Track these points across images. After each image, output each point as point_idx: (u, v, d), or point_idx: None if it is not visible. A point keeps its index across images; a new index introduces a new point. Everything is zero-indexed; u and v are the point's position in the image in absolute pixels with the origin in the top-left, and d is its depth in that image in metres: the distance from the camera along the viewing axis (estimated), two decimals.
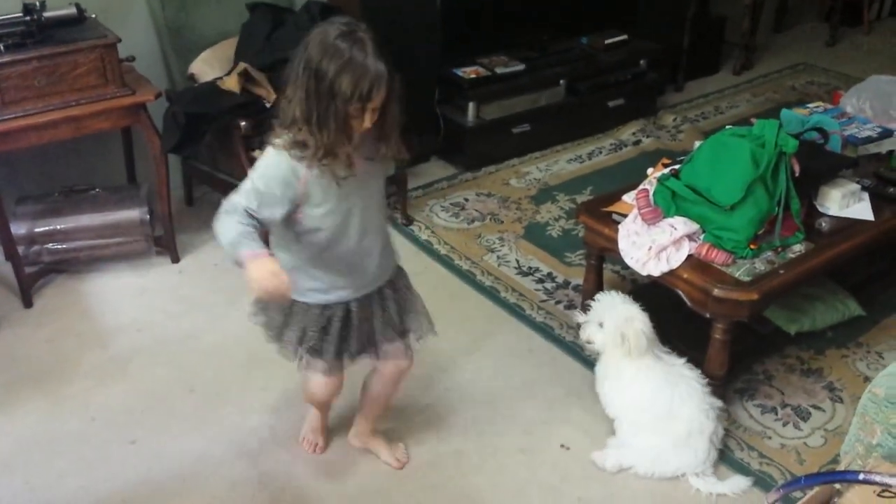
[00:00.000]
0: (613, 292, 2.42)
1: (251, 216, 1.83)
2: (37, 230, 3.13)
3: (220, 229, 1.84)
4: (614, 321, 2.32)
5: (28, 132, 2.86)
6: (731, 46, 5.31)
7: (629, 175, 3.78)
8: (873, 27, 6.17)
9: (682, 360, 2.42)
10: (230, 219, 1.82)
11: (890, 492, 1.51)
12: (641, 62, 4.50)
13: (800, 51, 5.72)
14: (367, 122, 1.81)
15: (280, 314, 2.11)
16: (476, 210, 3.71)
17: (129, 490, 2.34)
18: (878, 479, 1.43)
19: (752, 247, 2.45)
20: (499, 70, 4.00)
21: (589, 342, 2.42)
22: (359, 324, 2.11)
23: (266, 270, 1.77)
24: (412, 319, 2.21)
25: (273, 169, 1.84)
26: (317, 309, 2.07)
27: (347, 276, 2.05)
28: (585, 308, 2.48)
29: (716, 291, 2.35)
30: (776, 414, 2.61)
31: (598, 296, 2.44)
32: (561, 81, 4.17)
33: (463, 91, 3.92)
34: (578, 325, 2.42)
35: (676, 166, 2.68)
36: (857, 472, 1.47)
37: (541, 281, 3.24)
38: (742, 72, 5.32)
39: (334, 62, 1.72)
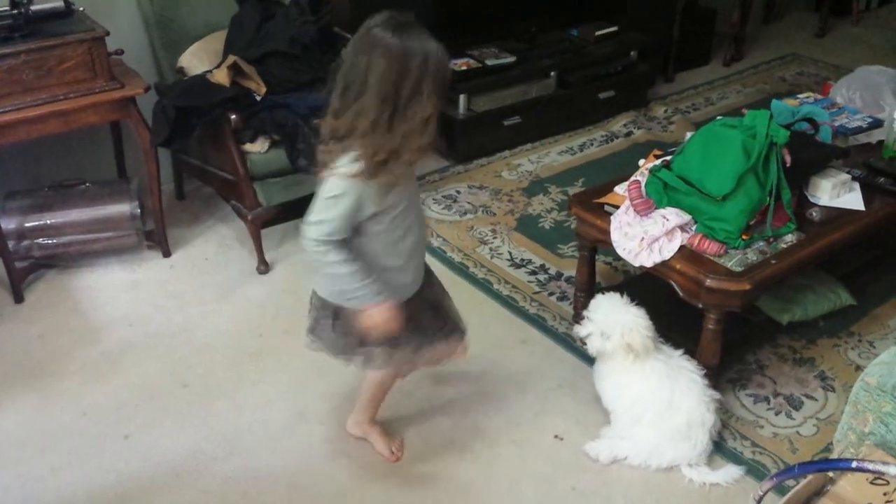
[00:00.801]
0: (610, 296, 2.38)
1: (344, 242, 1.89)
2: (27, 225, 3.11)
3: (335, 271, 1.90)
4: (619, 332, 2.30)
5: (16, 127, 2.84)
6: (721, 38, 5.31)
7: (620, 166, 3.80)
8: (862, 17, 6.18)
9: (679, 352, 2.42)
10: (339, 258, 1.88)
11: (883, 479, 1.52)
12: (632, 54, 4.50)
13: (789, 41, 5.73)
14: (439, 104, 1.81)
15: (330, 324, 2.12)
16: (468, 202, 3.70)
17: (123, 485, 2.34)
18: (870, 466, 1.44)
19: (743, 237, 2.46)
20: (489, 62, 3.99)
21: (598, 353, 2.38)
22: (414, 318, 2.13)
23: (387, 316, 1.94)
24: (449, 314, 2.28)
25: (347, 197, 1.83)
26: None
27: (406, 282, 2.08)
28: (580, 313, 2.46)
29: (708, 282, 2.36)
30: (768, 403, 2.62)
31: (594, 302, 2.40)
32: (551, 73, 4.17)
33: (454, 83, 3.90)
34: (582, 341, 2.40)
35: (668, 157, 2.69)
36: (851, 460, 1.48)
37: (533, 273, 3.24)
38: (732, 63, 5.32)
39: (416, 55, 1.73)
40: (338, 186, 1.83)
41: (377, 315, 1.95)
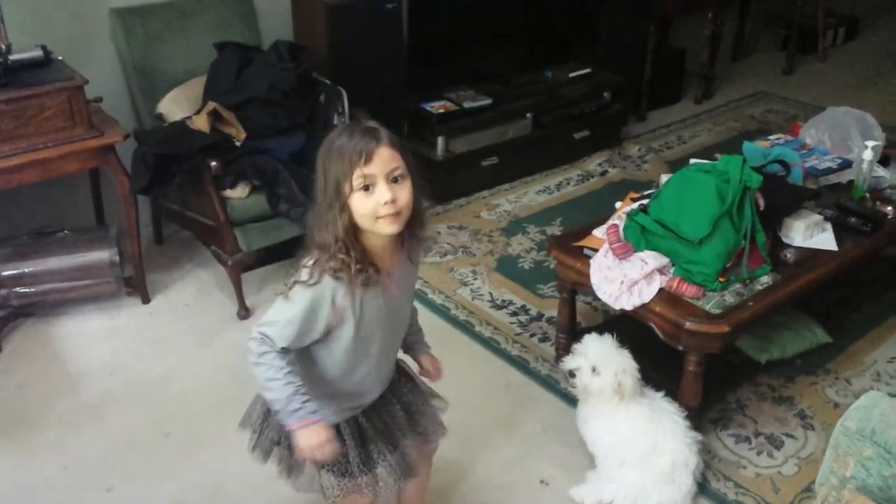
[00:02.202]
0: (602, 337, 2.39)
1: (286, 352, 1.71)
2: (4, 274, 3.09)
3: (266, 384, 1.71)
4: (612, 371, 2.31)
5: None
6: (692, 76, 5.43)
7: (597, 205, 3.86)
8: (828, 54, 6.34)
9: (661, 394, 2.45)
10: (274, 365, 1.69)
11: None
12: (605, 94, 4.58)
13: (758, 79, 5.86)
14: (384, 194, 1.63)
15: (276, 433, 1.92)
16: (448, 243, 3.73)
17: None
18: None
19: (720, 279, 2.50)
20: (466, 104, 4.05)
21: (583, 388, 2.37)
22: (374, 430, 1.93)
23: (318, 440, 1.72)
24: (423, 419, 2.07)
25: (311, 305, 1.68)
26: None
27: (361, 395, 1.90)
28: (562, 354, 2.46)
29: (688, 325, 2.39)
30: (750, 443, 2.65)
31: (586, 338, 2.41)
32: (527, 114, 4.23)
33: (431, 126, 3.95)
34: (571, 373, 2.38)
35: (645, 201, 2.73)
36: None
37: (515, 314, 3.26)
38: (703, 101, 5.43)
39: (326, 155, 1.66)
40: (302, 292, 1.68)
41: (311, 438, 1.73)
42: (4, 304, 3.11)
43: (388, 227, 1.67)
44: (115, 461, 2.56)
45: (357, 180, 1.63)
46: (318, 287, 1.68)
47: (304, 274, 1.68)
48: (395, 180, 1.65)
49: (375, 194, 1.64)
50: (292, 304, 1.69)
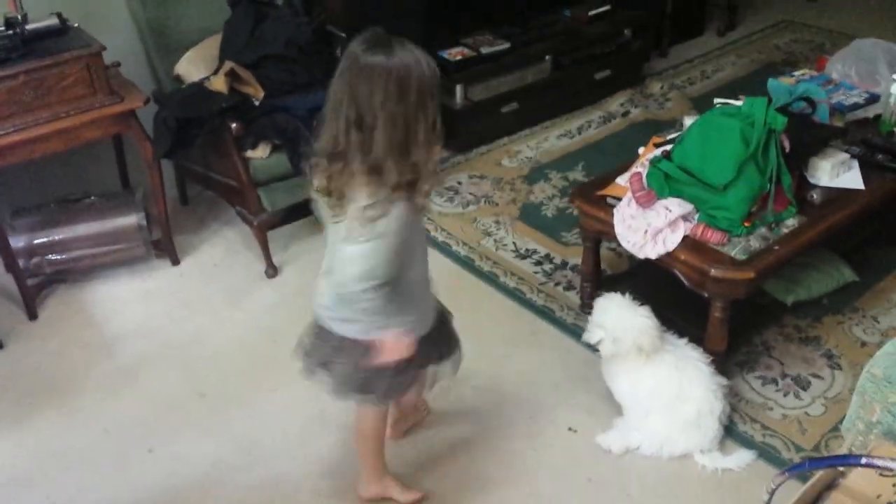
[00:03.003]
0: (614, 298, 2.41)
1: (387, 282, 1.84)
2: (35, 242, 3.14)
3: (375, 311, 1.87)
4: (630, 336, 2.33)
5: (19, 147, 2.86)
6: (714, 8, 5.30)
7: (620, 148, 3.82)
8: None
9: (685, 341, 2.46)
10: (377, 305, 1.85)
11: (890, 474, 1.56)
12: (625, 31, 4.50)
13: (782, 7, 5.71)
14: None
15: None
16: (470, 193, 3.73)
17: (150, 500, 2.39)
18: (879, 463, 1.48)
19: (746, 224, 2.49)
20: (484, 50, 3.99)
21: (612, 356, 2.41)
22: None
23: (405, 344, 1.95)
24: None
25: (400, 231, 1.79)
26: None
27: (421, 309, 2.06)
28: (587, 302, 2.49)
29: (713, 272, 2.39)
30: (777, 385, 2.67)
31: (600, 306, 2.42)
32: (546, 57, 4.17)
33: (449, 74, 3.91)
34: (594, 348, 2.45)
35: (668, 147, 2.71)
36: (860, 457, 1.52)
37: (539, 263, 3.27)
38: (726, 33, 5.31)
39: (410, 72, 1.71)
40: (379, 224, 1.76)
41: (399, 343, 1.95)
42: (38, 271, 3.18)
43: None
44: (153, 423, 2.64)
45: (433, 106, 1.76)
46: (398, 212, 1.77)
47: (379, 207, 1.75)
48: None
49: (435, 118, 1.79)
50: (384, 239, 1.77)
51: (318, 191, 1.86)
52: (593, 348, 2.75)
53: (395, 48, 1.73)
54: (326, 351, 2.08)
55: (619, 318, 2.36)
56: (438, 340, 2.16)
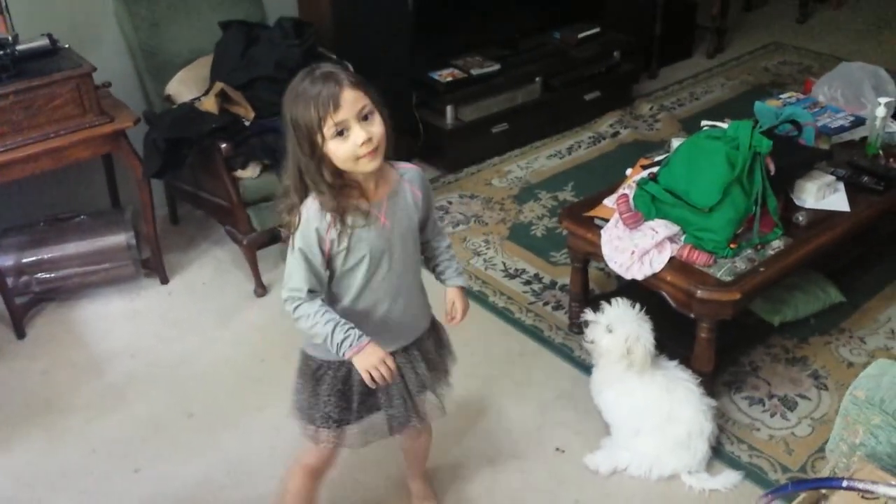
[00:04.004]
0: (629, 303, 2.41)
1: (314, 295, 1.81)
2: (24, 261, 3.14)
3: (311, 331, 1.81)
4: (624, 333, 2.34)
5: (9, 167, 2.87)
6: (703, 30, 5.35)
7: (609, 169, 3.84)
8: (843, 1, 6.21)
9: (675, 363, 2.47)
10: (307, 313, 1.79)
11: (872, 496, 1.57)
12: (615, 53, 4.54)
13: (771, 29, 5.76)
14: (359, 136, 1.69)
15: (310, 381, 1.98)
16: (460, 213, 3.74)
17: None
18: (860, 486, 1.49)
19: (731, 246, 2.51)
20: (474, 71, 4.02)
21: (591, 342, 2.41)
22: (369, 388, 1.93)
23: (377, 357, 1.81)
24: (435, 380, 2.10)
25: (305, 243, 1.77)
26: (344, 369, 1.93)
27: (371, 333, 1.86)
28: (576, 322, 2.50)
29: (699, 293, 2.41)
30: (763, 405, 2.68)
31: (614, 300, 2.42)
32: (536, 78, 4.20)
33: (440, 95, 3.94)
34: (585, 323, 2.42)
35: (654, 169, 2.73)
36: (841, 479, 1.53)
37: (528, 283, 3.28)
38: (715, 55, 5.35)
39: (292, 103, 1.72)
40: (296, 238, 1.79)
41: (368, 357, 1.81)
42: (26, 290, 3.17)
43: (370, 164, 1.74)
44: (141, 443, 2.63)
45: (329, 130, 1.69)
46: (305, 226, 1.76)
47: (295, 222, 1.78)
48: (365, 118, 1.71)
49: (351, 137, 1.70)
50: (293, 250, 1.79)
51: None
52: (582, 366, 2.77)
53: (303, 80, 1.72)
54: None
55: (623, 315, 2.37)
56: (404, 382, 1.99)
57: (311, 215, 1.77)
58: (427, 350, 2.05)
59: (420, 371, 2.02)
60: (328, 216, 1.76)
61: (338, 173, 1.75)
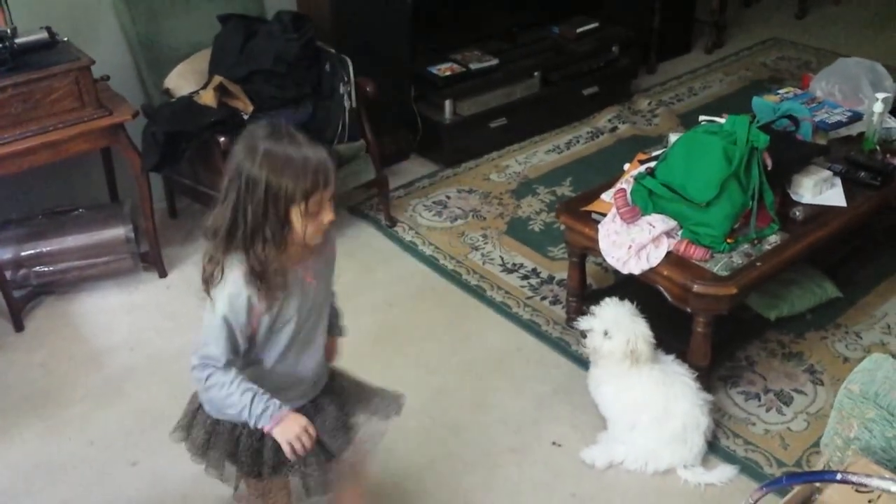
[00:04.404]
0: (620, 302, 2.42)
1: (231, 364, 1.70)
2: (23, 254, 3.15)
3: (224, 402, 1.70)
4: (623, 335, 2.35)
5: (7, 160, 2.87)
6: (702, 25, 5.35)
7: (607, 164, 3.85)
8: None
9: (672, 357, 2.48)
10: (221, 382, 1.69)
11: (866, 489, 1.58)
12: (613, 48, 4.54)
13: (770, 25, 5.76)
14: (329, 215, 1.65)
15: (203, 432, 1.90)
16: (458, 207, 3.75)
17: None
18: (854, 479, 1.49)
19: (728, 241, 2.51)
20: (473, 66, 4.02)
21: (593, 350, 2.42)
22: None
23: (298, 428, 1.70)
24: (364, 408, 2.01)
25: (231, 306, 1.65)
26: (242, 427, 1.82)
27: (286, 390, 1.81)
28: (573, 317, 2.50)
29: (695, 287, 2.42)
30: (759, 400, 2.69)
31: (604, 301, 2.44)
32: (535, 73, 4.20)
33: (438, 89, 3.94)
34: (583, 334, 2.43)
35: (652, 164, 2.73)
36: (835, 472, 1.53)
37: (525, 277, 3.29)
38: (714, 50, 5.35)
39: (267, 164, 1.57)
40: (219, 304, 1.65)
41: (288, 428, 1.71)
42: (25, 283, 3.18)
43: (320, 238, 1.69)
44: (138, 436, 2.64)
45: (314, 206, 1.61)
46: (234, 294, 1.64)
47: (217, 277, 1.65)
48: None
49: (323, 215, 1.64)
50: (213, 314, 1.66)
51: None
52: (579, 360, 2.78)
53: (273, 139, 1.60)
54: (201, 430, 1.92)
55: (619, 316, 2.38)
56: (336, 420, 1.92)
57: (241, 282, 1.63)
58: (331, 390, 1.97)
59: (330, 415, 1.92)
60: (257, 283, 1.63)
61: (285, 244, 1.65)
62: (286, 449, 1.72)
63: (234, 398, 1.69)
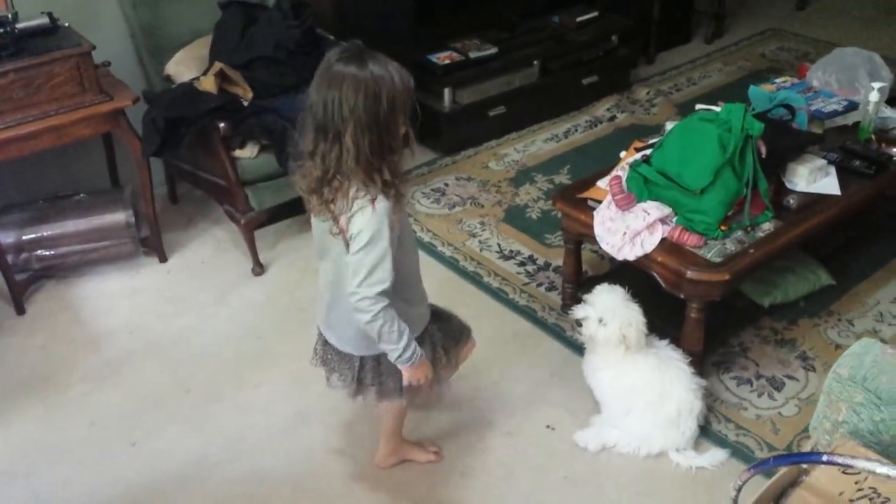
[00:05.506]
0: (613, 288, 2.45)
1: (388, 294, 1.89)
2: (24, 238, 3.18)
3: (384, 335, 1.92)
4: (617, 322, 2.37)
5: (8, 144, 2.90)
6: (702, 15, 5.36)
7: (605, 152, 3.86)
8: None
9: (666, 342, 2.51)
10: (390, 317, 1.90)
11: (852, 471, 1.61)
12: (613, 38, 4.55)
13: (770, 16, 5.77)
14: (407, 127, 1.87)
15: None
16: (456, 195, 3.77)
17: (132, 493, 2.43)
18: (840, 460, 1.52)
19: (722, 228, 2.54)
20: (472, 54, 4.04)
21: (589, 337, 2.45)
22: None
23: (424, 375, 2.07)
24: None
25: (382, 230, 1.84)
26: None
27: (422, 294, 2.18)
28: (569, 303, 2.52)
29: (689, 273, 2.44)
30: (751, 385, 2.72)
31: (597, 289, 2.46)
32: (534, 62, 4.22)
33: (437, 77, 3.96)
34: (578, 322, 2.45)
35: (647, 151, 2.76)
36: (822, 454, 1.57)
37: (522, 264, 3.31)
38: (713, 40, 5.36)
39: (380, 85, 1.76)
40: (369, 225, 1.83)
41: (419, 371, 2.05)
42: (26, 267, 3.21)
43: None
44: (138, 417, 2.67)
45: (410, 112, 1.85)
46: (381, 211, 1.83)
47: (367, 208, 1.82)
48: None
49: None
50: (373, 242, 1.83)
51: (301, 189, 1.91)
52: (574, 345, 2.81)
53: (369, 61, 1.78)
54: (345, 370, 2.18)
55: (611, 303, 2.40)
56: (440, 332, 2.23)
57: (382, 196, 1.83)
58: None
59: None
60: (391, 203, 1.85)
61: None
62: (412, 382, 2.06)
63: (395, 335, 1.93)
